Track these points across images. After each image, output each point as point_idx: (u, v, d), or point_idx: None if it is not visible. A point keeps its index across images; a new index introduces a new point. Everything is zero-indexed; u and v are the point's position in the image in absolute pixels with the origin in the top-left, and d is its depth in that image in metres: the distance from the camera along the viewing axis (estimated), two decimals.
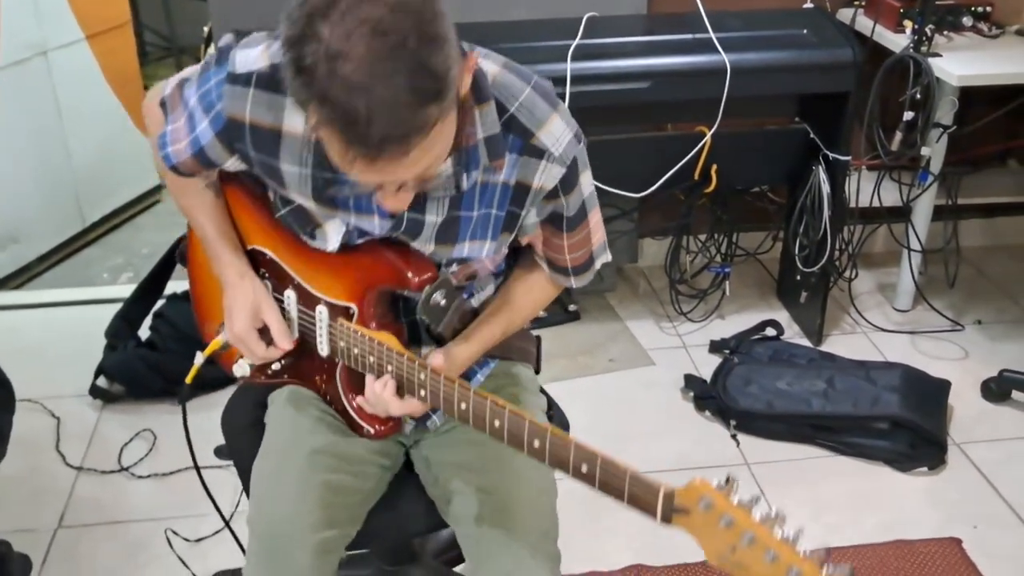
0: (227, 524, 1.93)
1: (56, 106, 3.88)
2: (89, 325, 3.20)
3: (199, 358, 1.73)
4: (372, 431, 1.63)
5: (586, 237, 1.63)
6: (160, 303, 3.11)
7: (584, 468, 1.34)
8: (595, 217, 1.63)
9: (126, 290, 3.18)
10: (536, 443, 1.38)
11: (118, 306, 3.11)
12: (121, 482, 2.70)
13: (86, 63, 4.02)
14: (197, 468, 1.82)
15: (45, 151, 3.86)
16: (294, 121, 1.42)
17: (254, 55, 1.41)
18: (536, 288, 1.70)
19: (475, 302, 1.68)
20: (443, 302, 1.52)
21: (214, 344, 1.69)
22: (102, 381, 3.01)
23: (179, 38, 6.02)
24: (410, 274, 1.50)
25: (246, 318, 1.60)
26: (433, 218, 1.49)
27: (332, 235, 1.54)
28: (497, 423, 1.41)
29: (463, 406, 1.43)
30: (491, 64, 1.46)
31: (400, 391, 1.51)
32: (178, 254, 1.92)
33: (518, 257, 1.72)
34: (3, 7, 3.59)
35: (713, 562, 1.27)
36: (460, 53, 1.26)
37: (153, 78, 5.19)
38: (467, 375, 1.57)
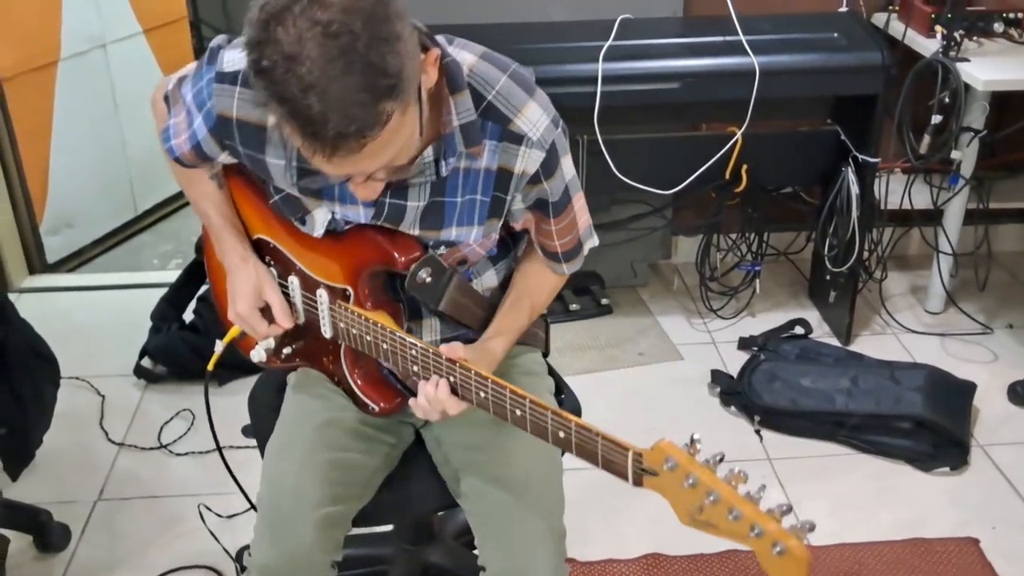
0: (250, 502, 2.00)
1: (113, 97, 3.99)
2: (136, 308, 3.28)
3: (219, 346, 1.81)
4: (377, 408, 1.69)
5: (572, 222, 1.69)
6: (204, 288, 3.16)
7: (561, 434, 1.41)
8: (579, 201, 1.68)
9: (172, 275, 3.25)
10: (518, 412, 1.45)
11: (165, 290, 3.17)
12: (160, 459, 2.79)
13: (143, 56, 4.13)
14: (220, 451, 1.90)
15: (102, 140, 3.98)
16: None
17: (241, 55, 1.42)
18: (548, 271, 1.75)
19: (476, 287, 1.73)
20: (428, 279, 1.58)
21: (232, 332, 1.77)
22: (146, 362, 3.09)
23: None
24: (396, 254, 1.57)
25: (248, 298, 1.67)
26: (415, 203, 1.55)
27: (319, 222, 1.61)
28: (483, 394, 1.48)
29: (452, 379, 1.51)
30: (468, 55, 1.51)
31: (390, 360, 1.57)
32: (196, 246, 2.00)
33: (522, 243, 1.78)
34: (65, 1, 3.70)
35: (685, 522, 1.32)
36: (420, 49, 1.32)
37: None
38: None
